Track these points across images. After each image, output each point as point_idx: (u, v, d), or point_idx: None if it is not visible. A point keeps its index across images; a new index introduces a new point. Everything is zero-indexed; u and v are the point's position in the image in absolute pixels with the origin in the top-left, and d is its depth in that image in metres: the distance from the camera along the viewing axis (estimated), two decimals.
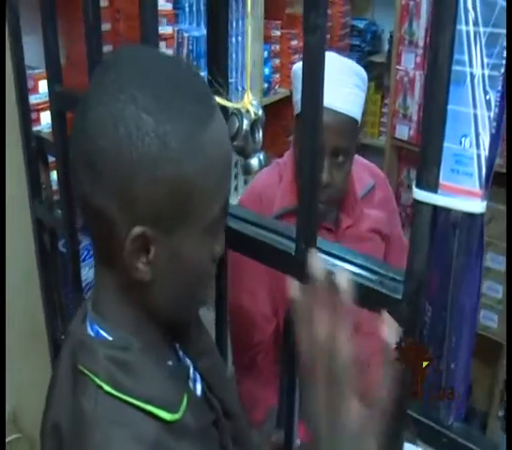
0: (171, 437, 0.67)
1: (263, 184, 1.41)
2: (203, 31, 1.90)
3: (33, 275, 1.48)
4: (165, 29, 1.66)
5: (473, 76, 0.58)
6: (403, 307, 0.68)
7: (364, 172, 1.46)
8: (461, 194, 0.62)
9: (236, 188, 2.15)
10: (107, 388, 0.66)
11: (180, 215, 0.64)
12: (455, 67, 0.59)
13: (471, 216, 0.62)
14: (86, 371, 0.67)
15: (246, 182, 2.23)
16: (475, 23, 0.56)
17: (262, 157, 0.82)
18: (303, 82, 0.71)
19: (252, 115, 0.81)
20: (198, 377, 0.81)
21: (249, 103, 0.81)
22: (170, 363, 0.75)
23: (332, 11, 2.77)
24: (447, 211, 0.63)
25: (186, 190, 0.63)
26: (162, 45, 1.67)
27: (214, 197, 0.66)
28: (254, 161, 0.83)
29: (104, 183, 0.62)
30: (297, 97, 1.30)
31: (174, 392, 0.71)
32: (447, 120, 0.60)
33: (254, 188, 1.43)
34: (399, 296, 0.69)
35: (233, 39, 2.02)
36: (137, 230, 0.62)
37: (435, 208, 0.64)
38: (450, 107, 0.60)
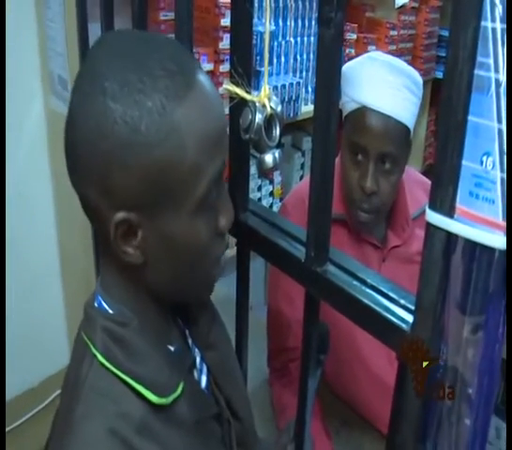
0: (157, 420, 0.67)
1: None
2: (270, 26, 1.84)
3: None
4: (227, 22, 1.62)
5: (498, 83, 0.49)
6: (407, 337, 0.60)
7: (419, 191, 1.35)
8: (481, 223, 0.52)
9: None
10: (100, 358, 0.67)
11: (162, 198, 0.63)
12: (477, 72, 0.49)
13: (492, 251, 0.52)
14: (86, 339, 0.69)
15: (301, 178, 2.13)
16: (503, 20, 0.46)
17: (277, 154, 0.77)
18: (317, 79, 0.66)
19: (268, 110, 0.74)
20: (205, 368, 0.81)
21: (266, 97, 0.74)
22: (171, 348, 0.74)
23: (417, 19, 2.62)
24: (465, 240, 0.54)
25: (163, 173, 0.61)
26: (226, 37, 1.63)
27: (198, 174, 0.63)
28: (268, 158, 0.77)
29: (83, 172, 0.63)
30: (344, 98, 1.22)
31: (168, 377, 0.70)
32: (467, 134, 0.51)
33: (299, 191, 1.36)
34: (407, 328, 0.61)
35: (293, 39, 1.96)
36: (119, 215, 0.63)
37: (450, 234, 0.55)
38: (471, 119, 0.51)
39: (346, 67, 1.21)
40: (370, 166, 1.18)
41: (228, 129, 0.70)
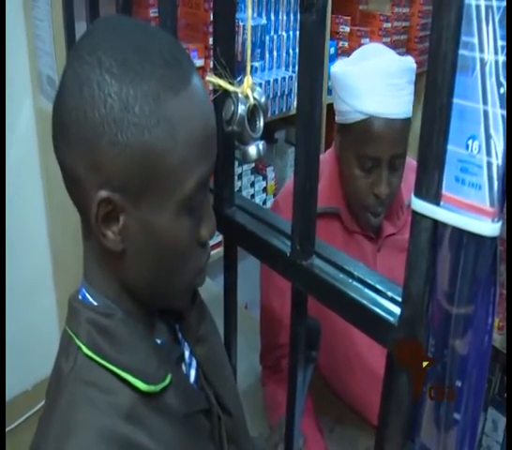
0: (146, 408, 0.66)
1: None
2: (261, 21, 1.84)
3: None
4: None
5: (483, 63, 0.47)
6: (397, 334, 0.58)
7: (413, 175, 1.29)
8: (468, 210, 0.50)
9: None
10: (86, 350, 0.66)
11: (147, 184, 0.62)
12: (461, 52, 0.47)
13: (480, 238, 0.50)
14: (70, 332, 0.68)
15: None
16: None
17: (261, 146, 0.75)
18: (299, 67, 0.63)
19: (251, 101, 0.72)
20: (194, 363, 0.80)
21: (249, 88, 0.72)
22: (158, 341, 0.74)
23: (410, 11, 2.60)
24: (452, 228, 0.52)
25: (151, 159, 0.61)
26: None
27: (187, 170, 0.63)
28: (252, 149, 0.76)
29: (72, 144, 0.62)
30: (340, 107, 1.19)
31: (156, 367, 0.69)
32: (452, 117, 0.49)
33: (289, 186, 1.34)
34: (394, 321, 0.59)
35: (285, 33, 1.94)
36: (103, 193, 0.61)
37: (436, 222, 0.53)
38: (455, 101, 0.49)
39: (343, 74, 1.17)
40: (384, 173, 1.17)
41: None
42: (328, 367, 1.33)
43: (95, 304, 0.69)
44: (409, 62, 1.19)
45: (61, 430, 0.63)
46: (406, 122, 1.17)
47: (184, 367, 0.78)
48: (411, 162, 1.39)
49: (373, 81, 1.14)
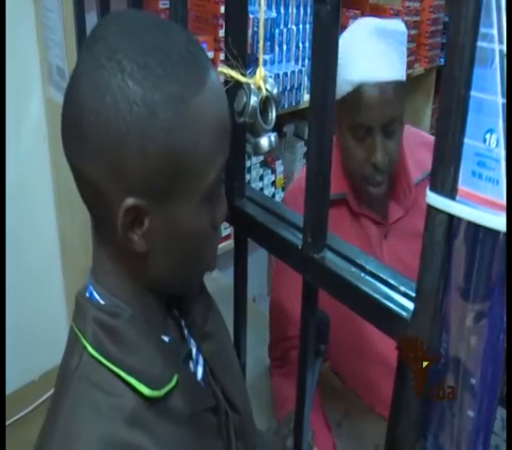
0: (150, 412, 0.65)
1: None
2: (271, 14, 1.83)
3: None
4: None
5: (502, 54, 0.46)
6: (410, 330, 0.57)
7: (423, 152, 1.26)
8: (483, 204, 0.50)
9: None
10: (91, 350, 0.65)
11: (173, 185, 0.61)
12: (480, 44, 0.46)
13: (496, 233, 0.49)
14: (76, 330, 0.68)
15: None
16: None
17: (273, 137, 0.74)
18: (312, 57, 0.62)
19: (263, 92, 0.71)
20: (201, 360, 0.79)
21: (262, 79, 0.72)
22: (165, 338, 0.72)
23: (421, 6, 2.58)
24: (468, 223, 0.51)
25: (177, 160, 0.60)
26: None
27: (209, 164, 0.63)
28: (264, 141, 0.75)
29: (94, 154, 0.60)
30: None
31: (162, 369, 0.68)
32: (469, 110, 0.48)
33: (300, 179, 1.31)
34: (407, 316, 0.59)
35: (295, 27, 1.93)
36: (129, 201, 0.60)
37: (452, 217, 0.52)
38: (473, 94, 0.48)
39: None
40: (378, 140, 1.13)
41: None
42: (338, 356, 1.32)
43: (102, 302, 0.68)
44: (395, 23, 1.15)
45: (64, 436, 0.62)
46: (399, 85, 1.13)
47: (191, 365, 0.77)
48: (420, 136, 1.35)
49: (357, 46, 1.11)
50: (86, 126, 0.59)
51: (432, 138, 1.33)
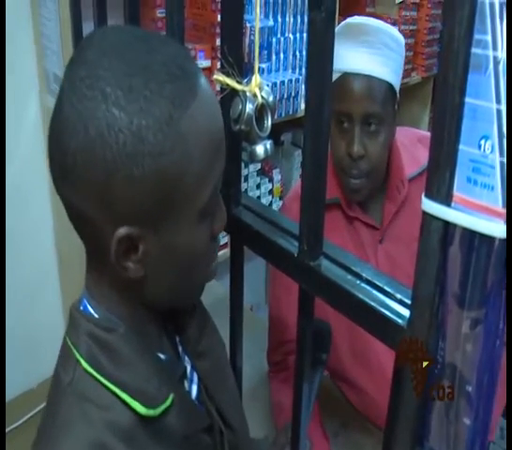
0: (145, 432, 0.64)
1: None
2: (268, 22, 1.84)
3: None
4: None
5: (497, 61, 0.46)
6: (406, 337, 0.57)
7: (421, 149, 1.28)
8: (479, 211, 0.49)
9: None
10: (84, 365, 0.64)
11: (167, 209, 0.60)
12: (474, 50, 0.46)
13: (491, 240, 0.49)
14: (70, 343, 0.66)
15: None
16: None
17: (268, 145, 0.74)
18: (308, 64, 0.63)
19: (259, 99, 0.71)
20: (195, 378, 0.78)
21: (257, 87, 0.72)
22: (162, 356, 0.71)
23: (418, 15, 2.60)
24: (463, 229, 0.51)
25: (169, 184, 0.58)
26: None
27: (205, 180, 0.61)
28: (260, 149, 0.75)
29: (81, 185, 0.58)
30: None
31: (157, 387, 0.66)
32: (464, 117, 0.48)
33: (297, 188, 1.33)
34: (403, 323, 0.58)
35: (292, 35, 1.94)
36: (122, 231, 0.59)
37: (447, 223, 0.52)
38: (468, 100, 0.48)
39: None
40: (356, 130, 1.15)
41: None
42: (337, 365, 1.31)
43: (96, 316, 0.67)
44: (388, 26, 1.18)
45: (54, 445, 0.61)
46: (383, 83, 1.15)
47: (186, 384, 0.76)
48: (418, 134, 1.37)
49: (345, 38, 1.13)
50: (70, 158, 0.57)
51: (429, 134, 1.34)
